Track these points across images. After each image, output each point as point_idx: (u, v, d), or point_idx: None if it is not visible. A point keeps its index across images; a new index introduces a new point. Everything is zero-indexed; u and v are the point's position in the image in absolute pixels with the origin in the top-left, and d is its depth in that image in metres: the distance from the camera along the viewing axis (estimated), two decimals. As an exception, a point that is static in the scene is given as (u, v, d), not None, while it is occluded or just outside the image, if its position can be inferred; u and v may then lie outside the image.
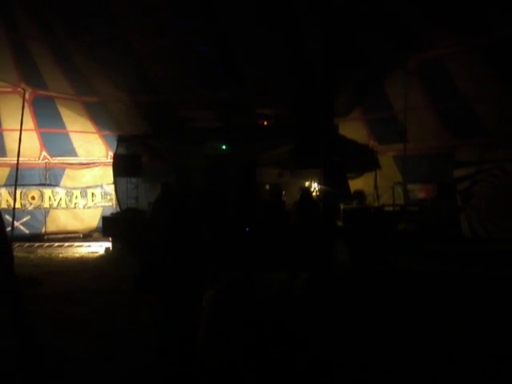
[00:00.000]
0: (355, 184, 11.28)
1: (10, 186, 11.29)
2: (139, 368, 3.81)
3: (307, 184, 11.32)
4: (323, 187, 10.10)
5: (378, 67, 10.29)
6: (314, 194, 11.11)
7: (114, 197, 13.04)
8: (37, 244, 11.39)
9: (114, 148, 12.50)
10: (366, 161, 10.84)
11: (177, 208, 3.98)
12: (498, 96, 9.33)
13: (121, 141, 12.16)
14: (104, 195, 13.33)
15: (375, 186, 11.56)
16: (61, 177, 12.82)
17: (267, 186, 9.61)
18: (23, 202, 12.14)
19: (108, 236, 10.89)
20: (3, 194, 11.93)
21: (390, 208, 10.72)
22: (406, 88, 10.17)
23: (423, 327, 4.80)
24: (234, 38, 9.70)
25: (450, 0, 8.43)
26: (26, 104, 10.94)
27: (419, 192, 11.20)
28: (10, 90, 11.12)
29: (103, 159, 13.19)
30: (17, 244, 10.79)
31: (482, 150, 9.90)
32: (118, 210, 12.07)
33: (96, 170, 13.23)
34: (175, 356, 3.51)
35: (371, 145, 11.68)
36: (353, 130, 11.56)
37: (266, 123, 11.29)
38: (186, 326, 3.55)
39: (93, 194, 13.23)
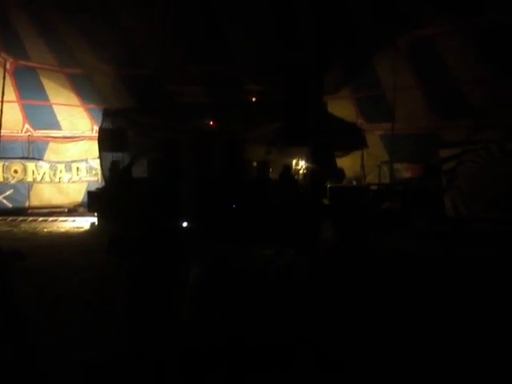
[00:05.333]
0: (342, 162, 11.31)
1: (-8, 159, 11.13)
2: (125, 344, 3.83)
3: (294, 162, 11.32)
4: (310, 165, 10.15)
5: (368, 44, 10.20)
6: (301, 171, 11.15)
7: (99, 171, 12.89)
8: (20, 218, 11.25)
9: (100, 122, 12.27)
10: (353, 139, 10.85)
11: (158, 180, 3.96)
12: (487, 78, 9.35)
13: (106, 114, 11.91)
14: (89, 170, 13.17)
15: (362, 165, 11.61)
16: (44, 150, 12.59)
17: (254, 163, 9.59)
18: (6, 175, 11.94)
19: (93, 211, 10.80)
20: (-16, 168, 11.71)
21: (376, 187, 10.80)
22: (395, 67, 10.13)
23: (403, 308, 4.88)
24: (222, 11, 9.49)
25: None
26: (6, 74, 10.65)
27: (405, 171, 11.29)
28: (-11, 59, 10.79)
29: (88, 133, 12.97)
30: (0, 218, 10.66)
31: (468, 131, 9.97)
32: (103, 184, 11.94)
33: (81, 144, 13.02)
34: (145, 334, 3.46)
35: (359, 123, 11.68)
36: (341, 107, 11.52)
37: (254, 99, 11.16)
38: (158, 301, 3.51)
39: (78, 168, 13.06)
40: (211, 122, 10.61)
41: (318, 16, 7.84)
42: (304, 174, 10.96)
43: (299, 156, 11.20)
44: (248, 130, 10.48)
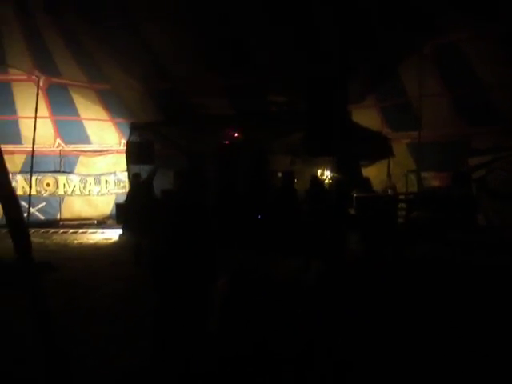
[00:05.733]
0: (368, 172, 11.20)
1: (26, 172, 11.49)
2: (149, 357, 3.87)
3: (319, 172, 11.27)
4: (336, 175, 10.08)
5: (393, 52, 10.12)
6: (326, 181, 11.08)
7: (127, 184, 13.16)
8: (52, 230, 11.58)
9: (127, 135, 12.57)
10: (379, 148, 10.73)
11: (183, 201, 3.99)
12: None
13: (134, 128, 12.21)
14: (117, 182, 13.47)
15: (388, 174, 11.46)
16: (75, 164, 12.98)
17: (279, 174, 9.60)
18: (38, 188, 12.34)
19: (121, 223, 11.00)
20: (19, 181, 12.14)
21: (403, 196, 10.63)
22: (421, 74, 10.01)
23: (429, 321, 4.76)
24: (245, 24, 9.61)
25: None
26: (40, 91, 11.04)
27: (433, 180, 11.09)
28: (24, 77, 11.22)
29: (116, 146, 13.29)
30: (33, 230, 10.98)
31: (497, 137, 9.73)
32: (131, 196, 12.15)
33: (109, 158, 13.35)
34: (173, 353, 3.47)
35: (385, 132, 11.55)
36: (366, 117, 11.43)
37: (278, 110, 11.21)
38: (188, 321, 3.52)
39: (106, 181, 13.38)
40: (236, 134, 10.71)
41: (340, 25, 7.84)
42: (329, 184, 10.90)
43: (324, 166, 11.15)
44: (273, 141, 10.52)
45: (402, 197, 10.47)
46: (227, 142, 10.46)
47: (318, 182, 8.39)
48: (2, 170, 2.50)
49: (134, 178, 10.24)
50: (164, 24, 9.75)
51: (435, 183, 11.01)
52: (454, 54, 9.58)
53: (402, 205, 9.72)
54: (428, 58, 10.03)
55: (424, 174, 11.02)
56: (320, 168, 11.26)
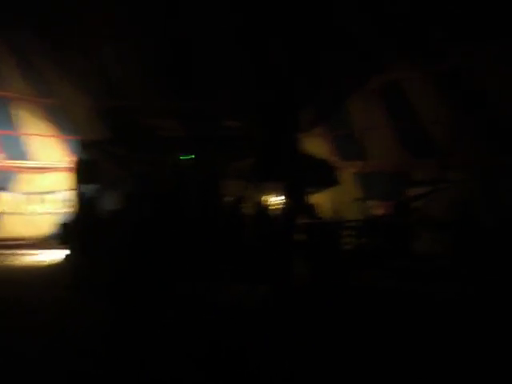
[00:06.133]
0: (316, 199, 11.46)
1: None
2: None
3: (268, 197, 11.39)
4: (283, 200, 10.24)
5: (341, 85, 10.59)
6: (273, 207, 11.21)
7: (71, 203, 12.65)
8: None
9: (74, 153, 12.17)
10: (326, 176, 11.06)
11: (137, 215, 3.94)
12: (452, 119, 9.80)
13: (81, 146, 11.84)
14: (62, 201, 12.93)
15: (335, 202, 11.79)
16: (15, 181, 12.34)
17: (228, 199, 9.63)
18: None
19: (66, 243, 10.53)
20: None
21: (351, 224, 10.93)
22: (367, 107, 10.51)
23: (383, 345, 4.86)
24: (197, 46, 9.73)
25: (407, 28, 8.85)
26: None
27: (377, 209, 11.51)
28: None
29: (62, 164, 12.81)
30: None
31: (435, 170, 10.32)
32: (77, 216, 11.71)
33: (54, 175, 12.83)
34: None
35: (333, 160, 11.93)
36: (316, 145, 11.78)
37: (230, 135, 11.32)
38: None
39: (49, 199, 12.81)
40: (187, 156, 10.66)
41: (291, 57, 8.13)
42: (277, 209, 11.03)
43: (273, 192, 11.29)
44: (223, 165, 10.57)
45: (348, 224, 10.77)
46: (177, 165, 10.39)
47: (262, 207, 8.48)
48: None
49: (81, 198, 9.93)
50: (116, 43, 9.69)
51: (379, 212, 11.43)
52: (396, 90, 10.18)
53: (349, 231, 10.00)
54: (374, 93, 10.57)
55: (369, 203, 11.43)
56: (270, 194, 11.39)
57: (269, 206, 11.06)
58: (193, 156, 10.82)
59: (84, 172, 11.38)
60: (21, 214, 12.30)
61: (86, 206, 10.84)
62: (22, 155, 12.30)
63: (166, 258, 3.93)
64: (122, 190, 8.90)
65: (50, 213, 12.67)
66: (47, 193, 12.73)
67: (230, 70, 9.81)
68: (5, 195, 12.08)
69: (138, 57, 10.04)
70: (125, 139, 11.56)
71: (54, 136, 12.52)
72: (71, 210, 12.56)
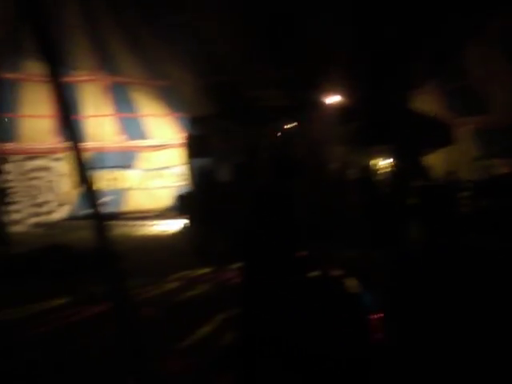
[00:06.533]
0: (430, 160, 10.77)
1: (94, 168, 12.27)
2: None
3: (375, 161, 10.97)
4: (393, 164, 9.78)
5: (455, 34, 9.63)
6: (382, 171, 10.78)
7: (186, 177, 13.55)
8: (116, 223, 12.17)
9: (186, 129, 12.93)
10: (440, 135, 10.27)
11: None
12: None
13: (192, 122, 12.52)
14: (177, 175, 13.91)
15: (452, 162, 10.96)
16: (136, 159, 13.55)
17: (333, 165, 9.49)
18: (103, 183, 13.01)
19: (182, 214, 11.39)
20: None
21: (469, 185, 10.12)
22: (485, 55, 9.45)
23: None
24: (299, 10, 9.53)
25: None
26: (104, 91, 11.63)
27: (500, 167, 10.46)
28: (88, 78, 11.85)
29: (175, 141, 13.69)
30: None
31: None
32: (191, 189, 12.53)
33: (169, 152, 13.80)
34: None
35: (447, 118, 11.03)
36: (428, 102, 10.96)
37: (333, 100, 11.04)
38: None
39: (166, 174, 13.87)
40: (291, 125, 10.68)
41: (398, 7, 7.56)
42: (387, 173, 10.60)
43: (380, 155, 10.84)
44: (327, 132, 10.38)
45: (466, 185, 9.98)
46: (281, 133, 10.47)
47: (370, 171, 8.20)
48: (83, 167, 2.68)
49: (198, 171, 10.54)
50: (219, 18, 9.90)
51: (503, 170, 10.38)
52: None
53: (467, 193, 9.27)
54: (493, 39, 9.46)
55: (490, 161, 10.42)
56: (375, 158, 10.96)
57: (377, 170, 10.68)
58: (296, 124, 10.81)
59: (195, 147, 12.07)
60: (143, 189, 13.51)
61: (199, 178, 11.53)
62: (140, 135, 13.40)
63: (283, 227, 3.99)
64: (233, 162, 9.25)
65: (167, 187, 13.71)
66: (164, 168, 13.77)
67: (331, 29, 9.47)
68: (129, 173, 13.32)
69: (240, 30, 10.17)
70: (230, 112, 11.93)
71: (167, 115, 13.38)
72: (186, 183, 13.49)
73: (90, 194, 2.76)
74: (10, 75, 10.15)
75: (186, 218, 11.05)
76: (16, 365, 3.85)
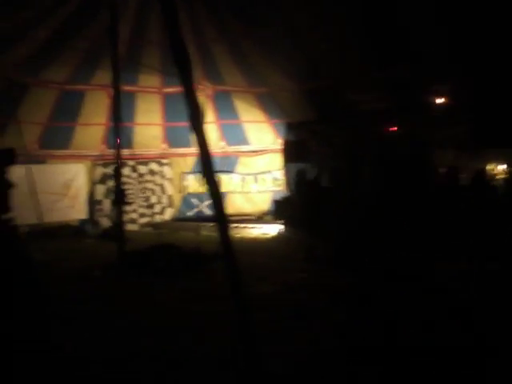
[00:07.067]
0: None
1: (196, 172, 13.02)
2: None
3: (489, 166, 10.16)
4: (508, 169, 8.97)
5: None
6: (496, 177, 9.95)
7: (282, 181, 13.76)
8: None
9: (283, 135, 13.13)
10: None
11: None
12: None
13: (289, 128, 12.70)
14: (274, 180, 14.17)
15: None
16: (236, 164, 14.06)
17: (442, 169, 8.97)
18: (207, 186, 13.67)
19: (279, 218, 11.58)
20: (191, 180, 13.73)
21: None
22: None
23: None
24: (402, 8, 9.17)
25: None
26: (207, 99, 12.26)
27: None
28: (196, 87, 12.54)
29: (273, 146, 13.97)
30: (202, 224, 12.23)
31: None
32: (288, 193, 12.68)
33: (266, 157, 14.12)
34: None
35: None
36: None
37: (440, 101, 10.44)
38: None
39: (263, 179, 14.20)
40: (394, 128, 10.31)
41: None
42: (500, 180, 9.75)
43: (495, 159, 10.02)
44: (434, 134, 9.85)
45: None
46: (384, 138, 10.14)
47: (482, 177, 7.58)
48: (211, 171, 2.86)
49: (298, 175, 10.65)
50: (318, 21, 9.92)
51: None
52: None
53: None
54: None
55: None
56: (490, 162, 10.14)
57: (490, 175, 9.89)
58: (398, 127, 10.42)
59: (293, 152, 12.22)
60: (242, 192, 13.95)
61: (296, 183, 11.63)
62: (240, 141, 13.88)
63: (387, 233, 3.90)
64: (332, 167, 9.19)
65: (265, 191, 14.02)
66: (262, 173, 14.10)
67: (437, 26, 8.98)
68: (230, 177, 13.85)
69: (337, 32, 10.09)
70: (330, 117, 11.87)
71: (265, 121, 13.69)
72: (283, 187, 13.69)
73: (215, 196, 2.92)
74: (128, 88, 11.11)
75: (282, 223, 11.20)
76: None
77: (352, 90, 11.08)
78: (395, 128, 10.29)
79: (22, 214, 8.72)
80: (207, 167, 2.88)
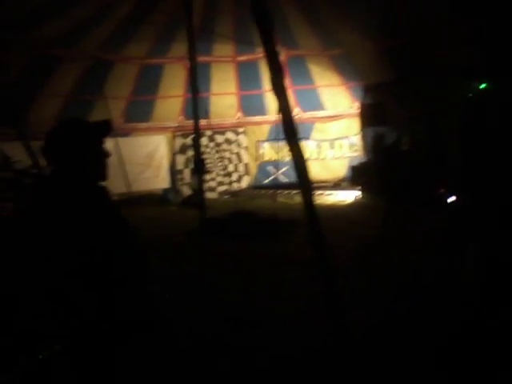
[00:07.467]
0: None
1: (272, 140, 13.03)
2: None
3: None
4: None
5: None
6: None
7: (359, 147, 13.38)
8: (294, 192, 12.75)
9: (359, 98, 12.65)
10: None
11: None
12: None
13: (366, 90, 12.18)
14: (350, 146, 13.81)
15: None
16: (311, 130, 13.86)
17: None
18: (282, 154, 13.71)
19: (356, 185, 11.35)
20: (267, 148, 13.84)
21: None
22: None
23: None
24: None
25: None
26: (282, 65, 12.08)
27: None
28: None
29: (349, 111, 13.54)
30: (278, 191, 12.37)
31: None
32: (365, 159, 12.34)
33: (342, 122, 13.75)
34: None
35: None
36: None
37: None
38: None
39: (340, 145, 13.88)
40: (483, 85, 9.46)
41: None
42: None
43: None
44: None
45: None
46: (472, 95, 9.36)
47: None
48: (294, 135, 2.88)
49: (376, 139, 10.29)
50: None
51: None
52: None
53: None
54: None
55: None
56: None
57: None
58: (489, 84, 9.54)
59: (370, 115, 11.75)
60: (318, 159, 13.80)
61: (374, 148, 11.26)
62: (315, 106, 13.62)
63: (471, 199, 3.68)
64: (409, 131, 8.73)
65: (342, 157, 13.75)
66: (339, 139, 13.80)
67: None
68: (305, 144, 13.74)
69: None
70: (408, 78, 11.18)
71: (341, 85, 13.26)
72: (360, 153, 13.32)
73: (298, 161, 2.94)
74: (203, 58, 11.31)
75: (360, 189, 10.97)
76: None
77: (434, 46, 10.29)
78: (483, 85, 9.44)
79: (113, 183, 9.38)
80: (290, 132, 2.90)
